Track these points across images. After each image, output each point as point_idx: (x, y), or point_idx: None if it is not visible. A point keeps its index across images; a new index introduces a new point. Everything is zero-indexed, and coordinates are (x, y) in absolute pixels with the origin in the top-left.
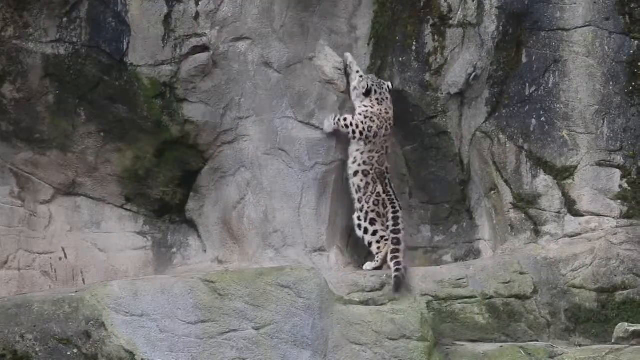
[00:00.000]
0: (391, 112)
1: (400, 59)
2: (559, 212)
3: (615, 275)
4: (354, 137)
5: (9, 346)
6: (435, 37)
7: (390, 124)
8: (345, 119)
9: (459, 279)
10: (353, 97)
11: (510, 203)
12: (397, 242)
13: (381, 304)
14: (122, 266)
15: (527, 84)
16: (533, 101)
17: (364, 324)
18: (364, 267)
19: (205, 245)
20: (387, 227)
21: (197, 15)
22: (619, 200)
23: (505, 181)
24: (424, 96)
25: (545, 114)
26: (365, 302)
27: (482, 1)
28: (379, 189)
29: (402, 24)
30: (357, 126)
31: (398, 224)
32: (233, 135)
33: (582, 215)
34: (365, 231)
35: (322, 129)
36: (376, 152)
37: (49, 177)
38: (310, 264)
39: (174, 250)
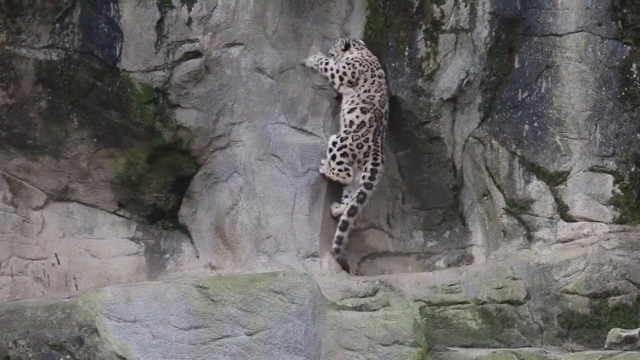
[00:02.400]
0: (374, 57)
1: (393, 65)
2: (551, 218)
3: (608, 281)
4: (334, 83)
5: (2, 352)
6: (428, 42)
7: (377, 67)
8: (327, 63)
9: (452, 285)
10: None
11: (503, 209)
12: (362, 198)
13: (374, 310)
14: (114, 272)
15: (520, 90)
16: (526, 107)
17: (356, 330)
18: (331, 208)
19: (198, 251)
20: (363, 177)
21: (190, 21)
22: (612, 206)
23: (498, 187)
24: (417, 102)
25: (538, 120)
26: (358, 308)
27: (474, 7)
28: (370, 136)
29: (394, 29)
30: (338, 71)
31: (374, 179)
32: (226, 140)
33: (575, 221)
34: (333, 157)
35: (315, 135)
36: (375, 92)
37: (41, 183)
38: (303, 269)
39: (167, 256)
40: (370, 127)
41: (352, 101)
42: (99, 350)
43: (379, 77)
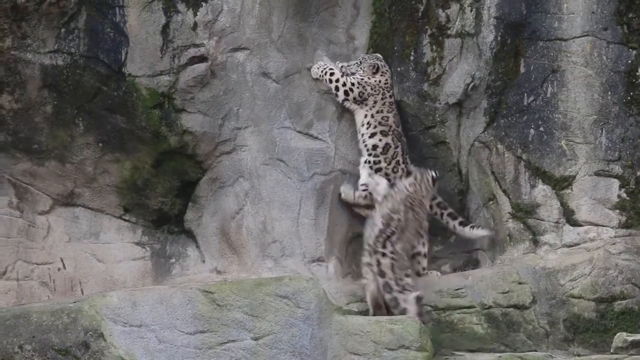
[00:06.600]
0: (391, 82)
1: (399, 69)
2: (557, 222)
3: (614, 285)
4: (337, 95)
5: (8, 357)
6: (434, 47)
7: (388, 90)
8: (332, 74)
9: (458, 289)
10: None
11: (509, 213)
12: None
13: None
14: (120, 277)
15: (526, 94)
16: (531, 111)
17: (362, 334)
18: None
19: (204, 256)
20: None
21: (195, 25)
22: (618, 210)
23: (504, 191)
24: (422, 106)
25: (544, 124)
26: (364, 312)
27: (480, 11)
28: (400, 158)
29: (400, 34)
30: (344, 84)
31: None
32: (231, 145)
33: (581, 225)
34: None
35: (321, 139)
36: (388, 112)
37: (47, 188)
38: (308, 274)
39: (173, 260)
40: (396, 148)
41: (369, 124)
42: (105, 354)
43: (390, 97)
